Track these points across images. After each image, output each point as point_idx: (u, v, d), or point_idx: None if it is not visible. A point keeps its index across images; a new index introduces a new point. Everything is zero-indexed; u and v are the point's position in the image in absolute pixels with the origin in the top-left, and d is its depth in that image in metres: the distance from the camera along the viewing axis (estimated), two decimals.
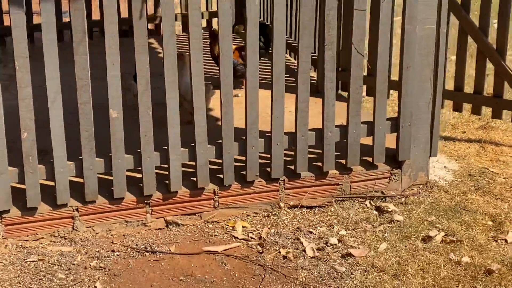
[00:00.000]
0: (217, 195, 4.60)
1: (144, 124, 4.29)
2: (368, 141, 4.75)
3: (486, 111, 6.05)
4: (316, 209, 4.72)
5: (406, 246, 4.21)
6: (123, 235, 4.41)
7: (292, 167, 4.69)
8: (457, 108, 6.02)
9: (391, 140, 4.80)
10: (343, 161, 4.77)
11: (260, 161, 4.63)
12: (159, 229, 4.49)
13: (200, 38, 4.24)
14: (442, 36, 4.65)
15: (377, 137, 4.74)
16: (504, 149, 5.67)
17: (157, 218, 4.53)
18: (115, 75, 4.16)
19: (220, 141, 4.47)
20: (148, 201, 4.48)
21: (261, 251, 4.23)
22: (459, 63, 5.87)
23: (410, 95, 4.69)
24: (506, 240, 4.27)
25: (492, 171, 5.20)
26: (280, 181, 4.69)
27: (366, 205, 4.73)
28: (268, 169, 4.64)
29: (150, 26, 8.54)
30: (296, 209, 4.70)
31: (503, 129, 6.10)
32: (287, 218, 4.60)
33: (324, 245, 4.26)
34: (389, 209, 4.61)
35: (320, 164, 4.73)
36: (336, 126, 4.66)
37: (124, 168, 4.36)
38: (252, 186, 4.64)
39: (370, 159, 4.81)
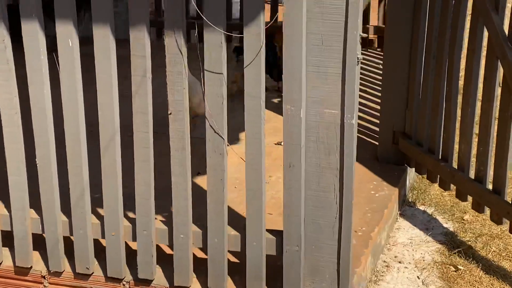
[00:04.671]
0: (47, 280, 3.59)
1: None
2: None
3: None
4: None
5: None
6: None
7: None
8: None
9: None
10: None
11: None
12: None
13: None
14: (349, 127, 2.96)
15: (250, 256, 3.24)
16: None
17: None
18: None
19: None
20: None
21: None
22: None
23: (297, 207, 3.10)
24: None
25: None
26: (123, 282, 3.49)
27: None
28: None
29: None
30: None
31: None
32: None
33: None
34: None
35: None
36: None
37: None
38: (89, 280, 3.53)
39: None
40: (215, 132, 3.08)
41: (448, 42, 4.10)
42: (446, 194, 4.75)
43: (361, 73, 7.05)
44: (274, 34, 6.02)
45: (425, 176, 4.54)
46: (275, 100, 6.10)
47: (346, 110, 2.92)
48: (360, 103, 6.11)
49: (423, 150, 4.43)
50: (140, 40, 3.06)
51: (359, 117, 5.71)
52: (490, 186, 3.97)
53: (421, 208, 4.60)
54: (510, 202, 3.80)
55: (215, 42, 2.96)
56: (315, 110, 2.97)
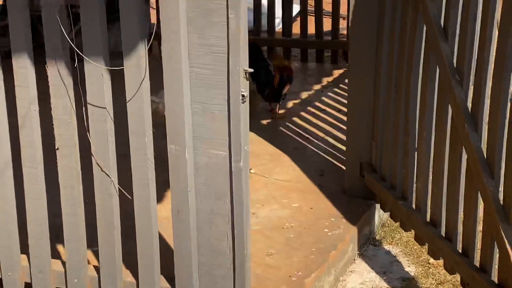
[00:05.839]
0: None
1: None
2: None
3: None
4: None
5: None
6: None
7: None
8: None
9: None
10: None
11: None
12: None
13: None
14: (237, 171, 2.65)
15: None
16: None
17: None
18: None
19: None
20: None
21: None
22: None
23: (188, 257, 2.81)
24: None
25: None
26: None
27: None
28: None
29: None
30: None
31: None
32: None
33: None
34: None
35: None
36: None
37: None
38: None
39: None
40: (102, 170, 2.83)
41: (406, 70, 3.73)
42: None
43: None
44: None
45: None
46: (264, 122, 5.77)
47: (233, 152, 2.62)
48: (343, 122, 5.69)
49: (386, 185, 4.06)
50: (23, 69, 2.82)
51: (338, 139, 5.32)
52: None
53: (387, 248, 4.22)
54: (460, 252, 3.41)
55: (95, 73, 2.71)
56: (203, 150, 2.68)
